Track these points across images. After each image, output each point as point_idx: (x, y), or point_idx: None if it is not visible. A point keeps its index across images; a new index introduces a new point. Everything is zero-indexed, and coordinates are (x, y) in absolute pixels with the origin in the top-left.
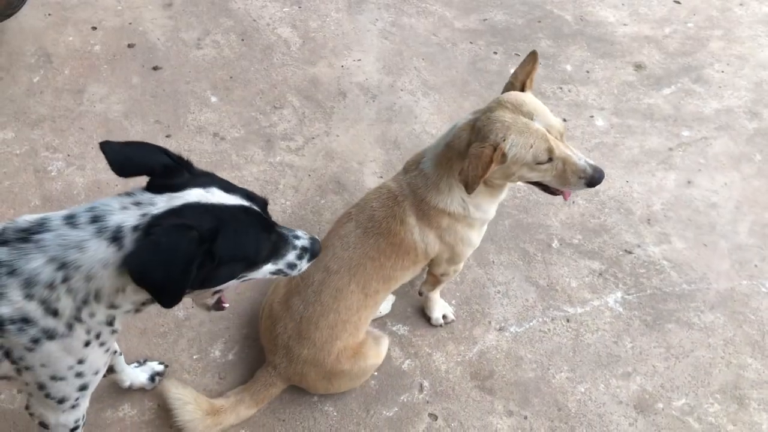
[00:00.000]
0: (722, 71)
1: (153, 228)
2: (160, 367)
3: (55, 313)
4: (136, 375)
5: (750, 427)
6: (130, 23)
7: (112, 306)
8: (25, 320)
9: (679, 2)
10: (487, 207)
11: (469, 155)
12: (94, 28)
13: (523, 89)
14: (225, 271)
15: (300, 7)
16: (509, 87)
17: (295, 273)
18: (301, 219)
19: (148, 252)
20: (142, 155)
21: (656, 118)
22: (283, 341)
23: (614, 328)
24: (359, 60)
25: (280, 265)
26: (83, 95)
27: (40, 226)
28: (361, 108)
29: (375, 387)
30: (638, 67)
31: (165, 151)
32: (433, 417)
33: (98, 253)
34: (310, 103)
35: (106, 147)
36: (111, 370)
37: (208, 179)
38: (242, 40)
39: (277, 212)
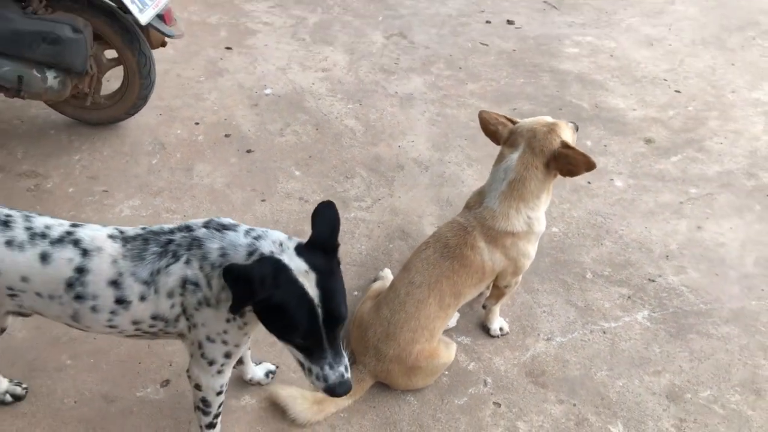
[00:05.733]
0: (721, 143)
1: (260, 260)
2: (272, 367)
3: (210, 287)
4: (255, 371)
5: None
6: (225, 119)
7: None
8: (196, 284)
9: (679, 91)
10: (542, 219)
11: (564, 165)
12: (197, 123)
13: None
14: (266, 322)
15: (361, 104)
16: (497, 132)
17: (308, 379)
18: (375, 259)
19: (236, 269)
20: (319, 221)
21: (667, 179)
22: (373, 343)
23: (644, 337)
24: (412, 141)
25: (305, 364)
26: (192, 172)
27: (234, 227)
28: (416, 176)
29: (447, 383)
30: (648, 141)
31: (332, 231)
32: (497, 405)
33: (240, 257)
34: (375, 174)
35: (323, 204)
36: (240, 361)
37: (324, 271)
38: (316, 129)
39: (353, 254)
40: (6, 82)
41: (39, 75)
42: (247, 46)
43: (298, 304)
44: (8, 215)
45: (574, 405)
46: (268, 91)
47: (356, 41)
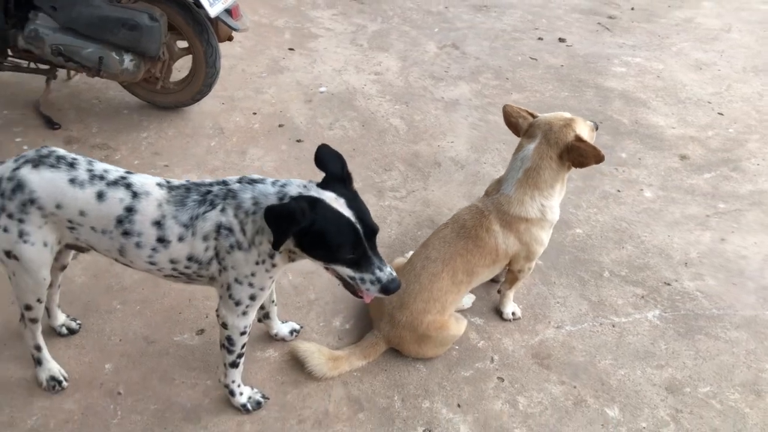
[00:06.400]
0: (758, 164)
1: (295, 198)
2: (297, 326)
3: (244, 232)
4: (281, 327)
5: (765, 412)
6: (280, 111)
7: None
8: (230, 230)
9: (722, 114)
10: (556, 208)
11: (576, 156)
12: (255, 113)
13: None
14: (313, 251)
15: (407, 106)
16: (518, 124)
17: (364, 288)
18: (403, 243)
19: (277, 207)
20: (328, 161)
21: (696, 193)
22: (389, 310)
23: (652, 334)
24: (452, 142)
25: (357, 276)
26: (246, 155)
27: (263, 180)
28: (452, 173)
29: (456, 355)
30: (683, 157)
31: (342, 165)
32: (501, 379)
33: (272, 203)
34: (412, 169)
35: (322, 147)
36: (267, 316)
37: (350, 196)
38: (363, 126)
39: (384, 238)
40: (88, 62)
41: (117, 57)
42: (308, 48)
43: (340, 224)
44: (74, 158)
45: (575, 387)
46: (322, 89)
47: (410, 49)
